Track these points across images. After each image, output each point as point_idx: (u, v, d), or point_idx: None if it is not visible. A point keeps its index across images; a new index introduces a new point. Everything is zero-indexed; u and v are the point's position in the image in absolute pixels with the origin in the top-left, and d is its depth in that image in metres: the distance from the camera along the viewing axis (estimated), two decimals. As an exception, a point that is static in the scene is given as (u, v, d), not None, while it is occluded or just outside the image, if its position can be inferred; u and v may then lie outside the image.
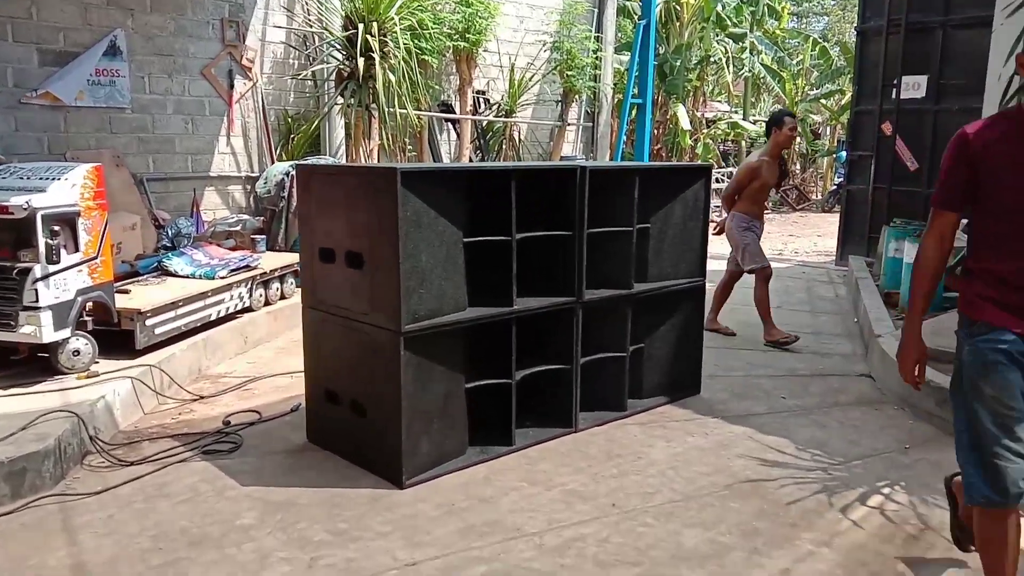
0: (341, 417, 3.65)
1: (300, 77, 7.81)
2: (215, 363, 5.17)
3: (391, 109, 7.16)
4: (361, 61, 6.91)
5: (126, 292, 4.81)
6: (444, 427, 3.51)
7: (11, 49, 5.94)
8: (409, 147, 9.41)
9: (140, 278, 5.22)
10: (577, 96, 10.84)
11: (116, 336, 4.55)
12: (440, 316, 3.41)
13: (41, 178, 4.10)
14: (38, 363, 4.25)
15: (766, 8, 16.47)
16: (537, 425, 4.01)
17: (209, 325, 5.24)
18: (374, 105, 7.27)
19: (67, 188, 4.08)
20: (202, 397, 4.54)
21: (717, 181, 16.47)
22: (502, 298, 3.65)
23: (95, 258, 4.24)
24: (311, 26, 7.73)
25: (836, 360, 5.48)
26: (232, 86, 7.28)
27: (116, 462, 3.59)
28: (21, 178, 4.14)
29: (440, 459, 3.51)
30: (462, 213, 3.48)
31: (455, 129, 10.10)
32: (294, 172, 6.53)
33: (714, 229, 6.10)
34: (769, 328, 5.87)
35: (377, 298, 3.32)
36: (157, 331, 4.64)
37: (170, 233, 6.52)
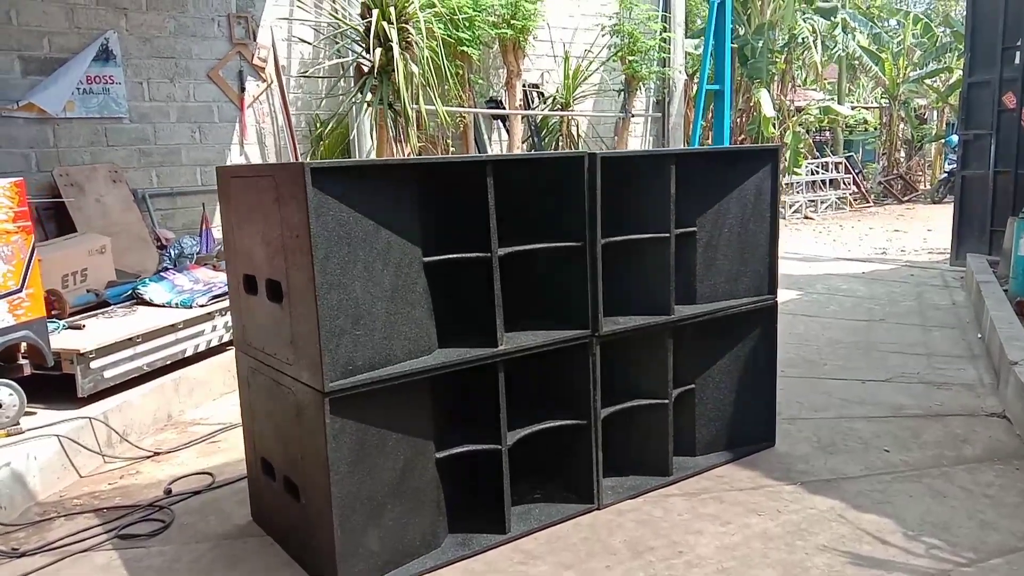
0: (278, 496, 2.78)
1: (308, 75, 7.07)
2: (191, 406, 4.41)
3: (415, 106, 6.30)
4: (378, 52, 6.09)
5: (79, 328, 4.11)
6: (403, 513, 2.58)
7: (-10, 58, 5.40)
8: (453, 149, 8.58)
9: (107, 309, 4.53)
10: (642, 84, 9.76)
11: (61, 382, 3.85)
12: (390, 364, 2.49)
13: (-50, 198, 3.43)
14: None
15: (859, -22, 14.85)
16: (547, 498, 3.05)
17: (187, 362, 4.50)
18: (399, 102, 6.45)
19: (-26, 209, 3.38)
20: (156, 453, 3.78)
21: (813, 173, 15.01)
22: (484, 335, 2.71)
23: (18, 291, 3.53)
24: (330, 15, 6.98)
25: (956, 393, 4.26)
26: (243, 89, 6.60)
27: (2, 553, 2.84)
28: (-71, 199, 3.47)
29: (398, 557, 2.59)
30: (420, 223, 2.56)
31: (505, 127, 9.20)
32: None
33: None
34: None
35: (299, 343, 2.43)
36: (107, 374, 3.90)
37: (173, 254, 5.87)
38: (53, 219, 5.61)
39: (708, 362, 3.41)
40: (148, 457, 3.74)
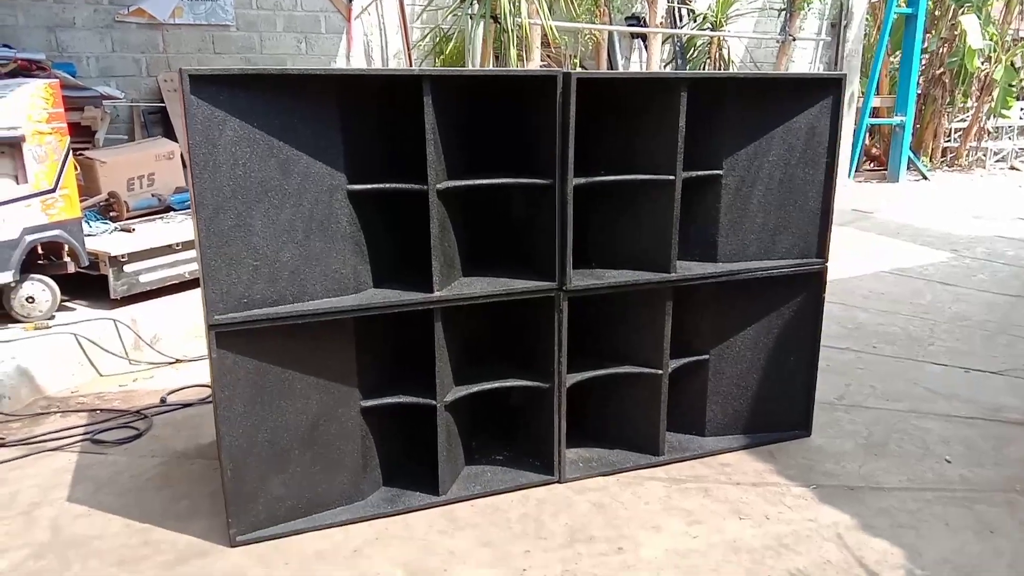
0: (215, 423, 2.69)
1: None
2: (237, 317, 4.47)
3: (519, 19, 5.89)
4: (479, -40, 5.70)
5: (129, 231, 4.23)
6: (314, 461, 2.39)
7: (105, -38, 5.59)
8: (581, 69, 8.05)
9: (167, 215, 4.63)
10: (807, 3, 8.61)
11: (105, 283, 3.99)
12: (300, 301, 2.26)
13: (-7, 97, 3.55)
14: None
15: None
16: (510, 462, 2.75)
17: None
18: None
19: (9, 108, 3.48)
20: (178, 361, 3.84)
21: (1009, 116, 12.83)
22: (424, 279, 2.40)
23: (51, 191, 3.63)
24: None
25: (1087, 399, 3.42)
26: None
27: (-20, 442, 2.98)
28: (-21, 97, 3.62)
29: (308, 505, 2.41)
30: (349, 146, 2.26)
31: (646, 47, 8.50)
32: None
33: None
34: None
35: (201, 269, 2.26)
36: (143, 279, 4.00)
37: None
38: (160, 123, 5.83)
39: (729, 331, 2.90)
40: (170, 363, 3.82)
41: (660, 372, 2.72)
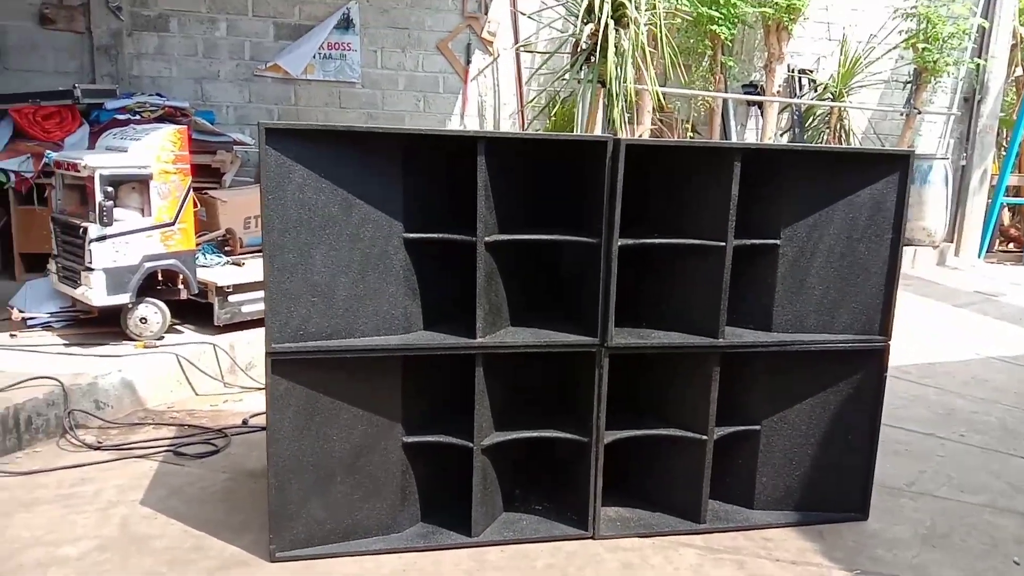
0: (276, 446, 2.89)
1: (526, 49, 7.07)
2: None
3: (625, 84, 6.04)
4: (587, 29, 5.92)
5: (239, 265, 4.61)
6: (354, 489, 2.53)
7: (250, 23, 6.20)
8: (693, 134, 8.11)
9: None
10: (934, 78, 8.31)
11: (211, 310, 4.36)
12: (351, 337, 2.44)
13: (131, 139, 4.02)
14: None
15: None
16: (548, 513, 2.79)
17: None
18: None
19: (141, 150, 3.92)
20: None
21: None
22: (470, 324, 2.53)
23: (171, 224, 4.03)
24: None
25: None
26: (469, 62, 6.83)
27: (79, 445, 3.31)
28: (121, 138, 4.11)
29: (346, 531, 2.55)
30: (408, 196, 2.45)
31: (762, 114, 8.45)
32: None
33: None
34: None
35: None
36: (245, 309, 4.33)
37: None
38: (285, 169, 6.31)
39: (783, 403, 2.85)
40: (259, 389, 4.10)
41: (704, 438, 2.71)
